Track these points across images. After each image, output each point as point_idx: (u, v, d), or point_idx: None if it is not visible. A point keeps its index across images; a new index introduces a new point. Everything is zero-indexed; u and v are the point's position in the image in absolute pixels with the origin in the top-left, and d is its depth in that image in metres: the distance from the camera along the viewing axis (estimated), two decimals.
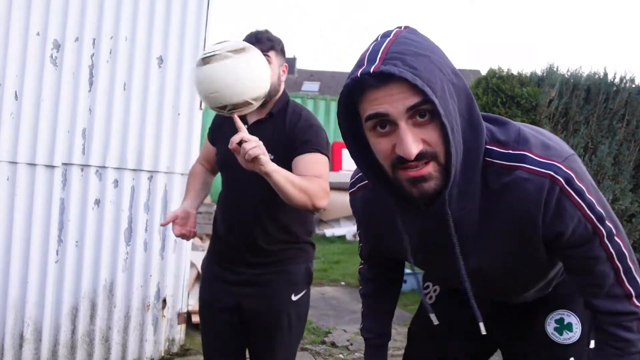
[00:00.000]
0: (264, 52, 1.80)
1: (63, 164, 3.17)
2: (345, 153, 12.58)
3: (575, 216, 1.05)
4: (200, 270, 2.15)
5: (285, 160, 1.80)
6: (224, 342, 1.98)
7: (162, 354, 3.45)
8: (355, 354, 3.62)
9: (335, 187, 10.05)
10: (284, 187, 1.63)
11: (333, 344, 3.73)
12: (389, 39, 0.97)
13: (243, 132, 1.55)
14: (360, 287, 1.56)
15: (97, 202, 3.25)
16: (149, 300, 3.38)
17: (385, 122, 0.96)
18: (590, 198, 1.05)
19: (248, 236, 1.89)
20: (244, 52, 1.54)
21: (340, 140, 13.04)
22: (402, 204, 1.09)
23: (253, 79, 1.55)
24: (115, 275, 3.28)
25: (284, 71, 1.94)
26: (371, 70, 0.93)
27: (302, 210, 1.87)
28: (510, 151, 1.06)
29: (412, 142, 0.94)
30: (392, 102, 0.94)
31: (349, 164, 11.89)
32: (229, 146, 1.56)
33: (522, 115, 4.31)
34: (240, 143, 1.54)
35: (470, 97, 1.03)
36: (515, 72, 4.43)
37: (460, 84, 1.01)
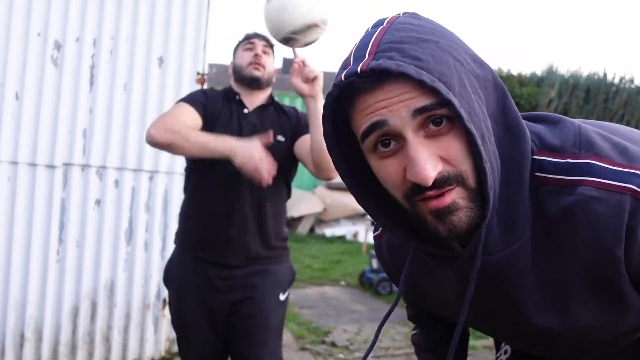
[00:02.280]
0: (266, 47, 1.93)
1: (64, 164, 3.18)
2: None
3: None
4: (169, 275, 1.99)
5: (291, 143, 1.91)
6: (207, 353, 1.90)
7: (163, 354, 3.45)
8: (355, 353, 3.63)
9: (335, 188, 10.08)
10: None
11: (333, 344, 3.74)
12: (381, 27, 0.73)
13: (301, 56, 1.66)
14: None
15: (98, 202, 3.25)
16: (150, 300, 3.38)
17: (388, 138, 0.71)
18: None
19: (239, 236, 1.84)
20: None
21: None
22: (430, 251, 0.81)
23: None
24: (116, 275, 3.29)
25: (275, 71, 2.05)
26: (358, 70, 0.69)
27: (284, 208, 1.95)
28: (570, 160, 0.76)
29: (427, 160, 0.68)
30: (392, 106, 0.69)
31: None
32: (295, 61, 1.66)
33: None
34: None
35: (503, 92, 0.77)
36: (515, 73, 4.43)
37: (486, 75, 0.75)
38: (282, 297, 1.90)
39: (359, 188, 0.80)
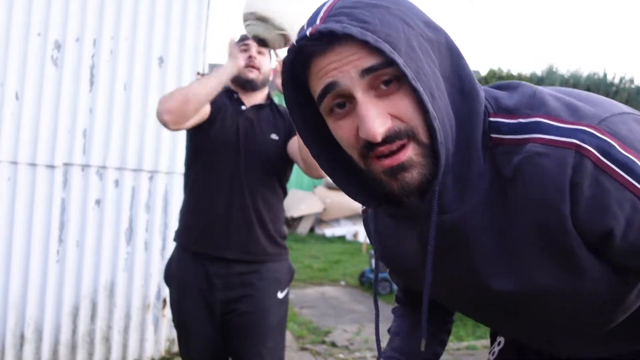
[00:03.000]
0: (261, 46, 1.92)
1: (64, 164, 3.18)
2: None
3: (625, 201, 0.71)
4: (169, 274, 2.00)
5: (284, 143, 1.94)
6: (208, 351, 1.90)
7: (163, 354, 3.45)
8: (356, 353, 3.63)
9: (335, 188, 10.08)
10: None
11: (333, 344, 3.74)
12: None
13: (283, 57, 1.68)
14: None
15: (98, 202, 3.25)
16: (150, 300, 3.38)
17: (342, 101, 0.74)
18: None
19: (241, 229, 1.86)
20: None
21: None
22: (390, 210, 0.82)
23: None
24: (116, 275, 3.29)
25: (272, 72, 2.06)
26: (307, 33, 0.72)
27: (281, 205, 1.98)
28: (521, 120, 0.77)
29: (376, 117, 0.71)
30: (342, 67, 0.72)
31: None
32: (277, 60, 1.70)
33: None
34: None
35: (457, 55, 0.78)
36: (515, 73, 4.43)
37: (439, 39, 0.77)
38: (280, 295, 1.91)
39: (323, 155, 0.82)
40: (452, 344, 3.81)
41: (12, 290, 3.11)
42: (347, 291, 5.59)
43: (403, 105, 0.72)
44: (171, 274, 1.97)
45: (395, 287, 5.27)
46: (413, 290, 1.12)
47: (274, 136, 1.92)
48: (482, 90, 0.79)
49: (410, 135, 0.72)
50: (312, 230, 9.84)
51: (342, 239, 9.34)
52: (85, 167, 3.22)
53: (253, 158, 1.86)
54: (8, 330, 3.11)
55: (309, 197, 10.15)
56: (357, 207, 9.65)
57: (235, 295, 1.86)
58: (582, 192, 0.71)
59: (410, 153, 0.72)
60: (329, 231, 9.70)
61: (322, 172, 1.78)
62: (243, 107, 1.96)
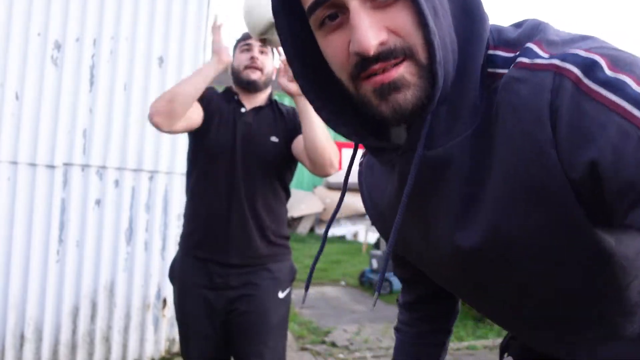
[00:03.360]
0: (263, 46, 1.94)
1: (64, 164, 3.18)
2: (345, 153, 12.58)
3: (610, 124, 0.57)
4: (173, 273, 2.01)
5: (285, 144, 1.91)
6: (208, 351, 1.90)
7: (163, 354, 3.45)
8: (355, 353, 3.62)
9: (335, 188, 10.08)
10: (316, 120, 1.72)
11: (333, 344, 3.74)
12: None
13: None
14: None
15: (98, 202, 3.25)
16: (150, 300, 3.38)
17: (335, 12, 0.65)
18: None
19: (241, 234, 1.85)
20: None
21: (339, 139, 13.05)
22: (374, 144, 0.74)
23: None
24: (116, 275, 3.29)
25: (275, 70, 2.02)
26: None
27: (283, 207, 1.95)
28: (517, 53, 0.67)
29: (369, 27, 0.61)
30: None
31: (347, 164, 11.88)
32: (280, 59, 1.69)
33: None
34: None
35: None
36: None
37: None
38: (281, 295, 1.90)
39: (306, 77, 0.73)
40: (452, 344, 3.81)
41: (12, 290, 3.11)
42: (347, 291, 5.59)
43: (401, 18, 0.62)
44: (174, 273, 1.98)
45: (396, 287, 5.29)
46: (413, 280, 1.05)
47: (273, 139, 1.89)
48: (488, 17, 0.70)
49: (408, 54, 0.63)
50: (312, 230, 9.84)
51: (342, 239, 9.35)
52: (85, 167, 3.22)
53: (252, 162, 1.85)
54: (8, 330, 3.11)
55: (308, 197, 10.15)
56: (357, 207, 9.65)
57: (236, 295, 1.86)
58: (561, 118, 0.60)
59: (403, 71, 0.63)
60: (329, 231, 9.70)
61: (329, 169, 1.79)
62: (242, 110, 1.93)
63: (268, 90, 2.01)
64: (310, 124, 1.73)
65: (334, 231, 9.69)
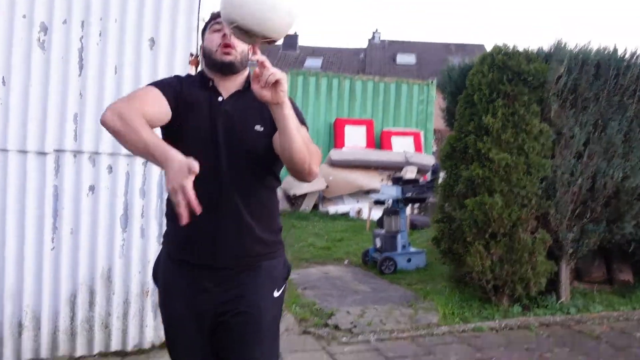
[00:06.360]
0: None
1: (55, 150, 3.10)
2: (349, 130, 12.45)
3: None
4: (156, 275, 1.88)
5: (272, 131, 1.67)
6: (195, 356, 1.79)
7: (163, 340, 3.40)
8: (359, 337, 3.58)
9: (338, 165, 9.99)
10: (291, 128, 1.54)
11: (336, 327, 3.68)
12: None
13: (261, 57, 1.47)
14: None
15: (92, 188, 3.18)
16: (148, 287, 3.33)
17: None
18: None
19: (230, 234, 1.71)
20: None
21: (343, 116, 12.91)
22: None
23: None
24: (113, 261, 3.24)
25: (250, 48, 1.72)
26: None
27: (274, 198, 1.81)
28: None
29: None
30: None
31: (351, 141, 11.80)
32: (257, 69, 1.47)
33: (529, 93, 4.17)
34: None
35: None
36: (521, 49, 4.28)
37: None
38: (276, 293, 1.80)
39: None
40: (457, 326, 3.76)
41: (7, 279, 3.06)
42: (350, 270, 5.54)
43: None
44: (157, 276, 1.86)
45: (400, 266, 5.24)
46: None
47: (258, 127, 1.70)
48: None
49: None
50: (315, 207, 9.79)
51: (345, 216, 9.29)
52: (77, 153, 3.14)
53: (237, 157, 1.68)
54: (5, 320, 3.07)
55: None
56: (361, 184, 9.58)
57: (228, 298, 1.73)
58: None
59: None
60: (333, 208, 9.64)
61: (308, 177, 1.64)
62: (220, 99, 1.73)
63: (245, 72, 1.80)
64: (288, 134, 1.54)
65: (338, 208, 9.63)
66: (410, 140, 11.91)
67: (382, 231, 5.55)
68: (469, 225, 4.09)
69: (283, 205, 9.65)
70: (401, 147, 11.48)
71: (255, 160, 1.71)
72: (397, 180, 5.87)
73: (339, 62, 27.07)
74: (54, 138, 3.10)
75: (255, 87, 1.50)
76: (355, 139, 11.95)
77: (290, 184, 9.97)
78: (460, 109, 4.51)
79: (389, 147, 11.71)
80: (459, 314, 4.00)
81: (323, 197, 9.91)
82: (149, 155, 1.49)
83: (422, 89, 12.05)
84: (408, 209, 6.56)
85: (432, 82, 12.52)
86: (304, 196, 9.74)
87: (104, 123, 1.55)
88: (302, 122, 1.73)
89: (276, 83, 1.47)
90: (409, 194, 5.62)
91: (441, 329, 3.74)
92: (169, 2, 3.22)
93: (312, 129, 12.21)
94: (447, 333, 3.71)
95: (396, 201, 5.63)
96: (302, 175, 1.65)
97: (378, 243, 5.57)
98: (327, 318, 3.85)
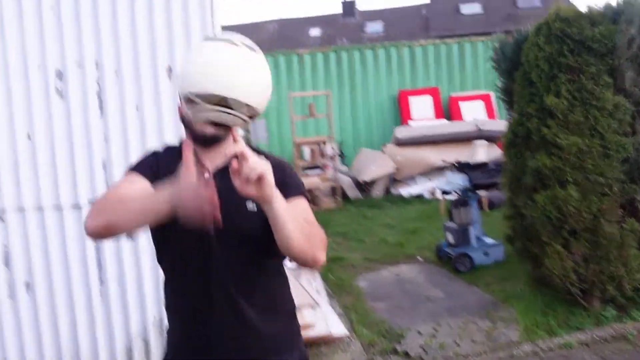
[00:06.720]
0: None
1: (89, 201, 2.98)
2: (414, 101, 11.83)
3: None
4: None
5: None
6: None
7: None
8: None
9: (404, 143, 9.52)
10: (286, 224, 1.29)
11: (406, 354, 3.35)
12: None
13: (241, 145, 1.22)
14: None
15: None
16: None
17: None
18: None
19: (220, 334, 1.46)
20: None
21: (406, 88, 12.24)
22: None
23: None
24: (162, 310, 3.10)
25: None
26: None
27: (281, 282, 1.57)
28: None
29: None
30: None
31: (417, 113, 11.21)
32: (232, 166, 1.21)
33: (597, 63, 3.54)
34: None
35: None
36: (583, 10, 3.66)
37: None
38: None
39: None
40: (540, 342, 3.32)
41: (63, 340, 3.04)
42: (423, 270, 5.18)
43: None
44: None
45: (477, 261, 4.79)
46: None
47: (250, 205, 1.42)
48: None
49: None
50: (387, 192, 9.41)
51: (419, 198, 8.84)
52: None
53: (229, 242, 1.42)
54: None
55: (378, 156, 9.67)
56: (432, 161, 9.08)
57: None
58: None
59: None
60: (405, 190, 9.22)
61: (312, 265, 1.40)
62: (206, 175, 1.41)
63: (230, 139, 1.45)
64: (283, 232, 1.30)
65: (410, 190, 9.20)
66: (480, 104, 11.18)
67: (453, 224, 5.13)
68: (542, 224, 3.57)
69: (353, 192, 9.36)
70: (471, 112, 10.80)
71: (250, 244, 1.45)
72: (463, 167, 5.41)
73: (400, 22, 26.05)
74: (85, 189, 2.99)
75: (236, 183, 1.21)
76: (421, 110, 11.38)
77: (358, 170, 9.63)
78: (519, 89, 3.94)
79: (458, 114, 11.06)
80: (543, 323, 3.51)
81: (394, 179, 9.51)
82: (153, 213, 1.30)
83: (486, 46, 11.19)
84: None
85: (497, 34, 11.68)
86: (373, 182, 9.40)
87: (88, 231, 1.37)
88: (300, 192, 1.48)
89: (261, 178, 1.20)
90: (477, 182, 5.17)
91: (523, 349, 3.28)
92: (180, 28, 2.98)
93: (375, 105, 11.82)
94: (530, 354, 3.24)
95: (464, 190, 5.18)
96: (306, 265, 1.44)
97: (450, 237, 5.16)
98: (396, 341, 3.53)
